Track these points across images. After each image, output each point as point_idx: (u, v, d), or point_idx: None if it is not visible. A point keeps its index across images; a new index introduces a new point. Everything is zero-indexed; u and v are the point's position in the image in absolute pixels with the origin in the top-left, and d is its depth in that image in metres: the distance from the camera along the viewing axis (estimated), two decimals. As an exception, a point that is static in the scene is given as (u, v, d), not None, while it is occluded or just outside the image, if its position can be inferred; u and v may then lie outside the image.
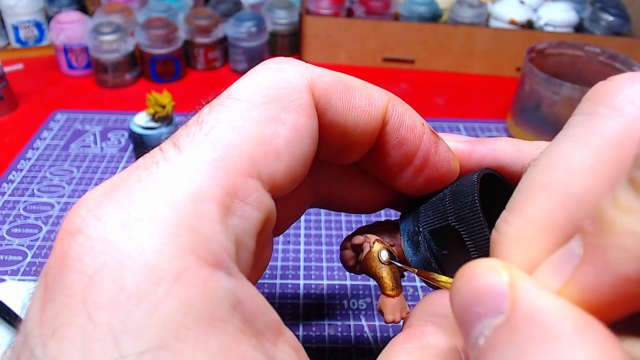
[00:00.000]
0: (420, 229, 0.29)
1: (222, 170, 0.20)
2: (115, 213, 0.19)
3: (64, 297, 0.18)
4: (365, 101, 0.26)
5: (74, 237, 0.19)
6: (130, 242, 0.18)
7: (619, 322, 0.17)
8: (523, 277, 0.18)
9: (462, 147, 0.30)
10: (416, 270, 0.28)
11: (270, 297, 0.52)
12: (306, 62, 0.25)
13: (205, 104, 0.23)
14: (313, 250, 0.58)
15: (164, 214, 0.19)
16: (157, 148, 0.22)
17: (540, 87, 0.74)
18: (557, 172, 0.19)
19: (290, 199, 0.29)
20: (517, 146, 0.29)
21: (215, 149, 0.21)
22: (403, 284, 0.45)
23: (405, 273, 0.31)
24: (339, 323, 0.50)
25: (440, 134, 0.30)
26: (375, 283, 0.31)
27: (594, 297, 0.17)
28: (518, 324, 0.16)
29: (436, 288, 0.27)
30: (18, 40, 1.02)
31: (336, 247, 0.58)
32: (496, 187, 0.29)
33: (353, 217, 0.63)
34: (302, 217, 0.62)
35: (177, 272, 0.18)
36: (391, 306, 0.29)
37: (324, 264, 0.56)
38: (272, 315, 0.21)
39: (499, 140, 0.30)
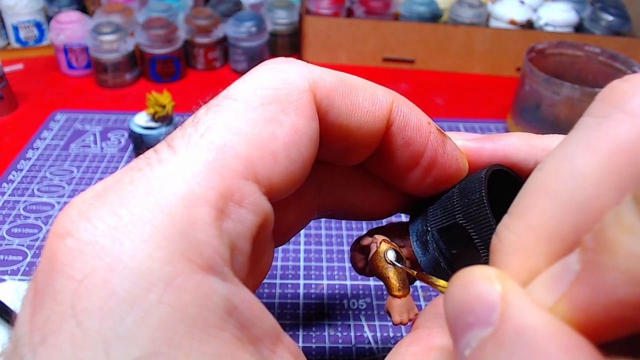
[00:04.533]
0: (429, 229, 0.29)
1: (216, 172, 0.20)
2: (106, 216, 0.19)
3: (53, 303, 0.18)
4: (369, 102, 0.25)
5: (63, 240, 0.18)
6: (121, 246, 0.18)
7: (610, 343, 0.16)
8: (516, 289, 0.17)
9: (471, 145, 0.29)
10: (415, 273, 0.28)
11: (270, 297, 0.52)
12: (307, 62, 0.25)
13: (203, 104, 0.23)
14: (313, 250, 0.58)
15: (156, 218, 0.18)
16: (152, 149, 0.21)
17: (541, 87, 0.74)
18: (562, 178, 0.18)
19: (294, 208, 0.28)
20: (528, 141, 0.28)
21: (210, 150, 0.20)
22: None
23: None
24: (339, 323, 0.50)
25: (448, 133, 0.29)
26: (382, 284, 0.31)
27: (586, 316, 0.16)
28: (505, 339, 0.16)
29: None
30: (18, 40, 1.02)
31: (336, 247, 0.58)
32: (508, 183, 0.28)
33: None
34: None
35: (169, 277, 0.18)
36: (398, 307, 0.29)
37: (324, 264, 0.56)
38: (270, 321, 0.21)
39: (509, 136, 0.29)
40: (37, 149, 0.75)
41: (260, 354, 0.20)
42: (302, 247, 0.59)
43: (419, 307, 0.29)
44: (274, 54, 1.00)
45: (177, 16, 0.98)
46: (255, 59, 0.96)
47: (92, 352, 0.17)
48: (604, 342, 0.16)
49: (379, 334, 0.49)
